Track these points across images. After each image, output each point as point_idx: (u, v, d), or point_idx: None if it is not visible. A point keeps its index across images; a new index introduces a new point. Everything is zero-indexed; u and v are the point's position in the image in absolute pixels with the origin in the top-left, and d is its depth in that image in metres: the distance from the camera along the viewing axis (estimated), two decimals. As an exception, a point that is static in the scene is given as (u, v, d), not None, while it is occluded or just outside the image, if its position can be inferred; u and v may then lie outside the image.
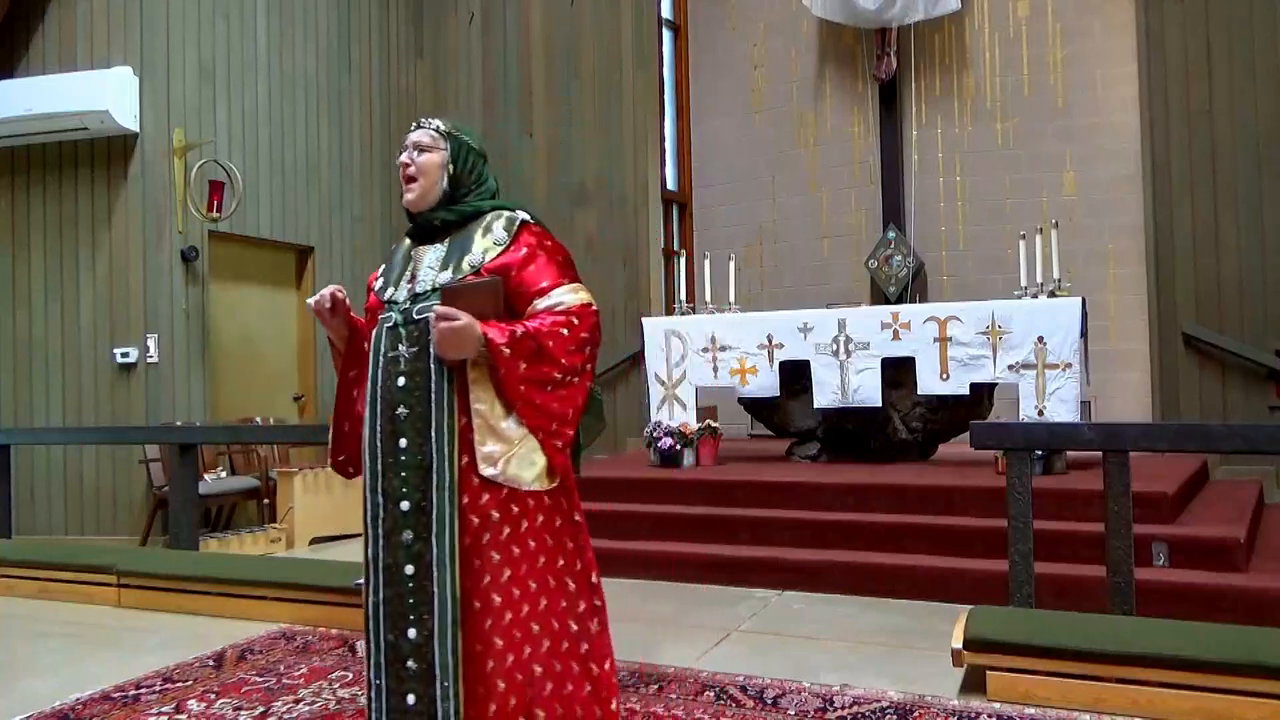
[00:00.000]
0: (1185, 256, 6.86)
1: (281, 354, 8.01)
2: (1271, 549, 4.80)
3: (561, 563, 2.24)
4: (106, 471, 6.85)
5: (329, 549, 6.44)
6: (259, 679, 3.60)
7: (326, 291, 2.40)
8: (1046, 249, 5.68)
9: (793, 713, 3.12)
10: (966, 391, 5.66)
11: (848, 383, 5.87)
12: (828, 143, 8.51)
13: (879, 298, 7.87)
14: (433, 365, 2.18)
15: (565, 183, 8.75)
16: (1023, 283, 5.77)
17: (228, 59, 7.45)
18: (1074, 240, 7.29)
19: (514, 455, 2.19)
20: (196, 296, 7.09)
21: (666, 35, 9.21)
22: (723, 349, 6.22)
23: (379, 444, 2.22)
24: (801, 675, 3.47)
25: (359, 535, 2.95)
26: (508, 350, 2.14)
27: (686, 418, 6.27)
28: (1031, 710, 3.10)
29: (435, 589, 2.13)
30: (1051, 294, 5.56)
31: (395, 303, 2.29)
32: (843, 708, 3.15)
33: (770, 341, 6.08)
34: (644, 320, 6.69)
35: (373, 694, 2.21)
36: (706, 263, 6.93)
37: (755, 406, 6.63)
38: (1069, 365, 5.34)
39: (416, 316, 2.22)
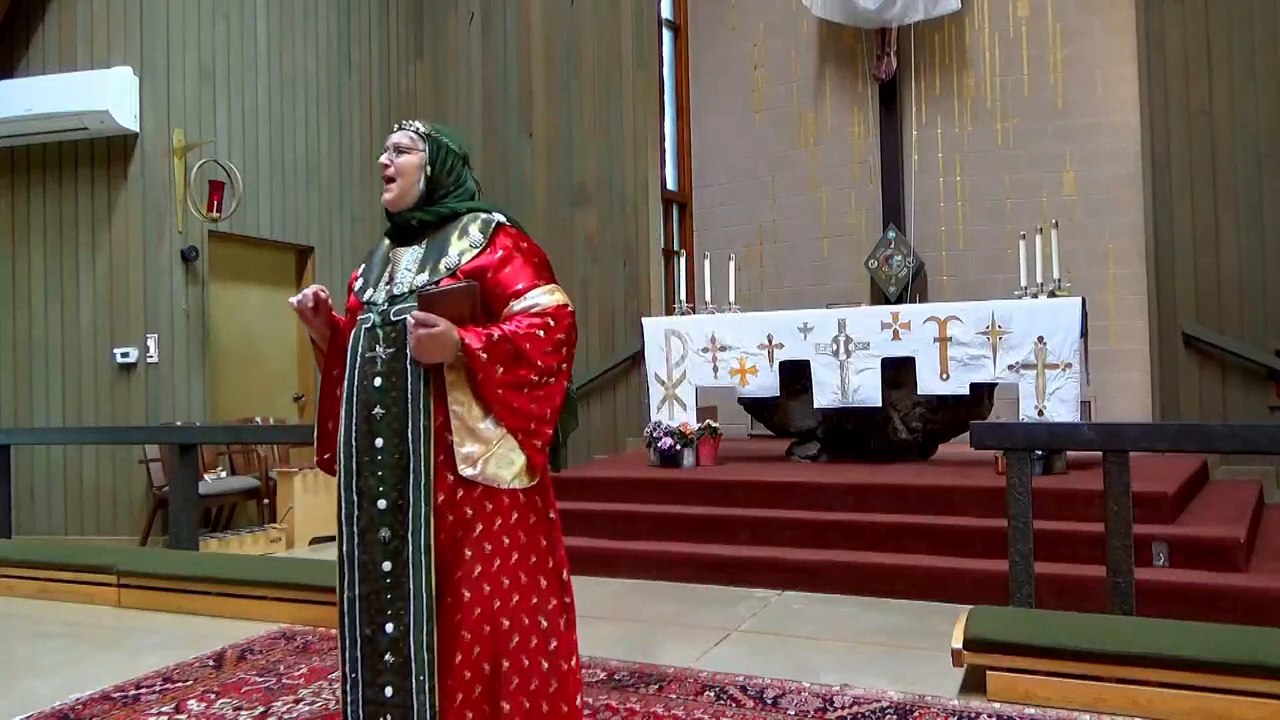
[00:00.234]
0: (1185, 256, 6.86)
1: (281, 354, 8.01)
2: (1271, 549, 4.80)
3: (533, 560, 2.27)
4: (106, 471, 6.85)
5: (329, 549, 6.39)
6: (259, 679, 3.60)
7: (309, 291, 2.43)
8: (1046, 249, 5.68)
9: (793, 713, 3.12)
10: (966, 391, 5.66)
11: (848, 383, 5.87)
12: (828, 143, 8.51)
13: (879, 298, 7.87)
14: (409, 366, 2.21)
15: (565, 183, 8.75)
16: (1023, 283, 5.77)
17: (228, 59, 7.45)
18: (1074, 240, 7.29)
19: (492, 455, 2.22)
20: (196, 296, 7.09)
21: (666, 35, 9.21)
22: (723, 349, 6.22)
23: (355, 443, 2.25)
24: (801, 675, 3.48)
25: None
26: (484, 355, 2.17)
27: (686, 418, 6.27)
28: (1031, 710, 3.10)
29: (411, 585, 2.17)
30: (1051, 294, 5.56)
31: (373, 304, 2.32)
32: (843, 708, 3.15)
33: (770, 341, 6.08)
34: (644, 320, 6.69)
35: (348, 687, 2.24)
36: (706, 263, 6.93)
37: (755, 406, 6.63)
38: (1069, 365, 5.34)
39: (394, 318, 2.25)
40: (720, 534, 5.32)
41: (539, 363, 2.23)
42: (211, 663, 3.83)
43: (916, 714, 3.07)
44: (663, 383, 6.40)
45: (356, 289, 2.41)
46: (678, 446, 6.14)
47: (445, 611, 2.18)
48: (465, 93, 9.22)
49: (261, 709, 3.27)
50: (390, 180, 2.36)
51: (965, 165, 8.03)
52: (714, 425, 6.32)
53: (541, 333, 2.23)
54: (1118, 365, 7.34)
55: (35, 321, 6.97)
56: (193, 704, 3.35)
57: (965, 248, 8.03)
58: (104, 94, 6.52)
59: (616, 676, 3.51)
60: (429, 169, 2.35)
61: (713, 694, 3.30)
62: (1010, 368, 5.49)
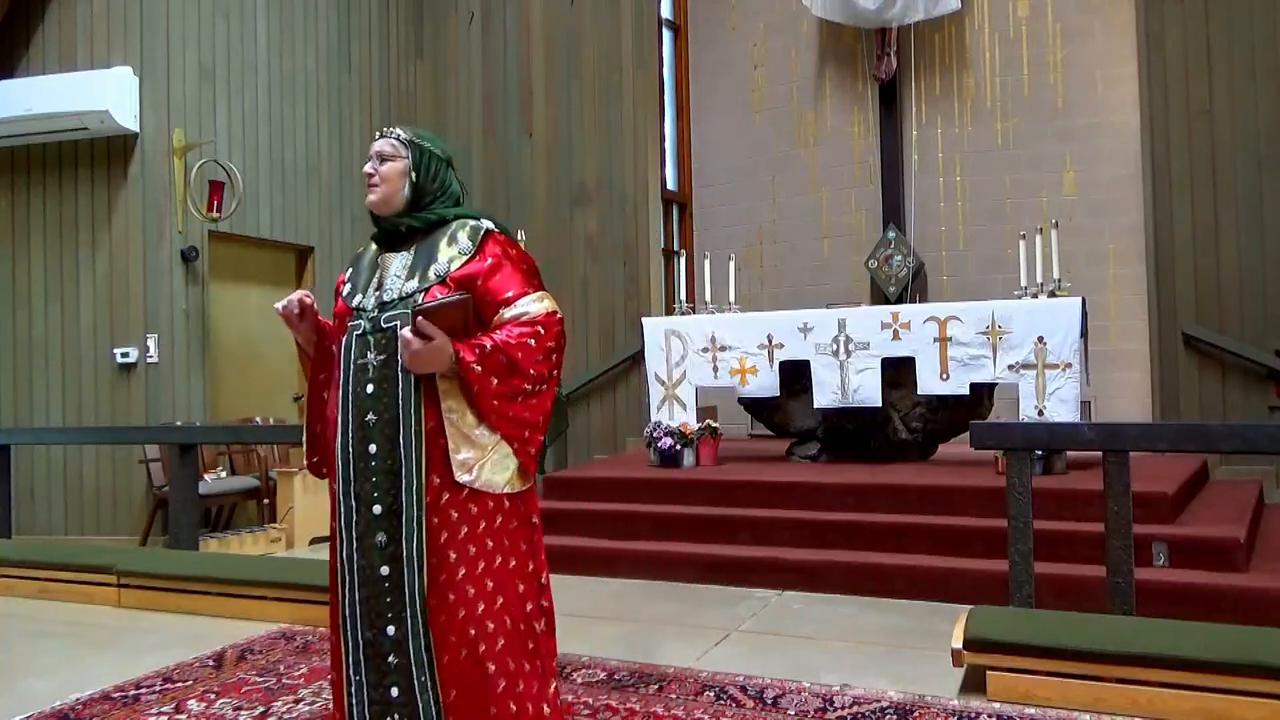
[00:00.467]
0: (1185, 256, 6.86)
1: (281, 354, 8.00)
2: (1271, 549, 4.80)
3: (514, 563, 2.30)
4: (106, 471, 6.85)
5: (328, 549, 6.43)
6: (259, 679, 3.60)
7: (294, 297, 2.47)
8: (1046, 249, 5.68)
9: (793, 713, 3.12)
10: (966, 391, 5.66)
11: (848, 383, 5.87)
12: (828, 143, 8.51)
13: (879, 298, 7.87)
14: (400, 373, 2.24)
15: (565, 183, 8.75)
16: (1023, 283, 5.77)
17: (228, 59, 7.45)
18: (1074, 240, 7.29)
19: (487, 461, 2.26)
20: (196, 296, 7.09)
21: (666, 35, 9.21)
22: (723, 349, 6.22)
23: (350, 449, 2.28)
24: (801, 675, 3.48)
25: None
26: (479, 368, 2.21)
27: (686, 418, 6.27)
28: (1031, 710, 3.10)
29: (406, 588, 2.21)
30: (1051, 294, 5.56)
31: (363, 310, 2.34)
32: (843, 708, 3.15)
33: (770, 341, 6.08)
34: (644, 320, 6.69)
35: (353, 689, 2.27)
36: (706, 263, 6.93)
37: (755, 406, 6.63)
38: (1069, 365, 5.34)
39: (384, 325, 2.28)
40: (720, 534, 5.32)
41: (531, 371, 2.27)
42: (211, 663, 3.83)
43: (916, 714, 3.08)
44: (663, 383, 6.40)
45: (345, 294, 2.44)
46: (678, 446, 6.14)
47: (431, 613, 2.21)
48: (465, 93, 9.22)
49: (261, 709, 3.27)
50: (374, 188, 2.38)
51: (965, 165, 8.03)
52: (714, 425, 6.32)
53: (532, 341, 2.27)
54: (1118, 365, 7.34)
55: (35, 321, 6.97)
56: (193, 704, 3.35)
57: (965, 248, 8.03)
58: (104, 94, 6.52)
59: (616, 676, 3.51)
60: (413, 175, 2.38)
61: (713, 694, 3.30)
62: (1010, 368, 5.49)
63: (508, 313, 2.30)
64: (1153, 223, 7.00)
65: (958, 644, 3.30)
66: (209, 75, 7.29)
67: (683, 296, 6.80)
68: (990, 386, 5.87)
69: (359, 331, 2.32)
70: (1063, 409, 5.32)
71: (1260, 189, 6.66)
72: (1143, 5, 7.09)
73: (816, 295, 8.12)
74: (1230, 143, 6.75)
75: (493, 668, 2.22)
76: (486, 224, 2.39)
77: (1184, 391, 6.83)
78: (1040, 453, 5.06)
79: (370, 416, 2.25)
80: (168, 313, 6.88)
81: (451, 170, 2.47)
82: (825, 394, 5.93)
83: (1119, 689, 3.06)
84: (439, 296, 2.25)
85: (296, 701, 3.33)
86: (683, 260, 7.10)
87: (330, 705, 3.25)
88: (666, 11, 9.19)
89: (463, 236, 2.35)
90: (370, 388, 2.27)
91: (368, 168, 2.40)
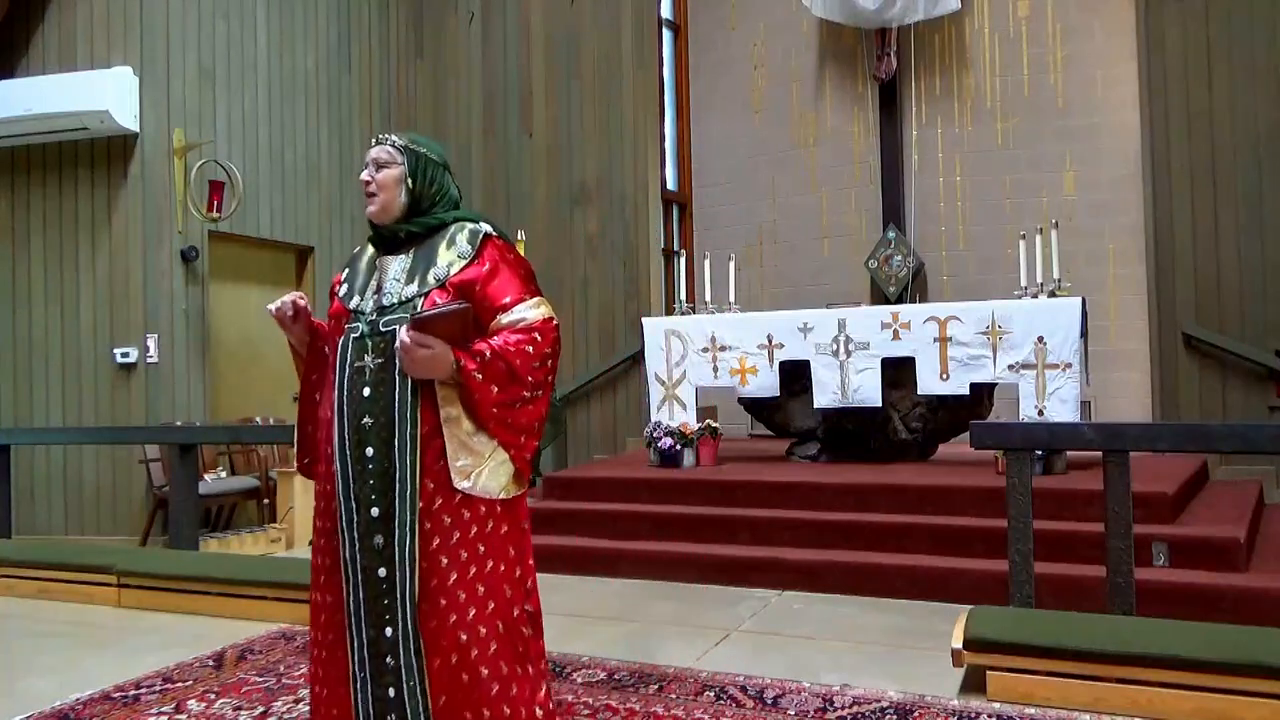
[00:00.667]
0: (1185, 256, 6.86)
1: (281, 354, 7.91)
2: (1271, 549, 4.80)
3: (503, 568, 2.31)
4: (106, 471, 6.85)
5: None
6: (259, 679, 3.60)
7: (287, 299, 2.47)
8: (1046, 249, 5.68)
9: (793, 713, 3.12)
10: (966, 391, 5.66)
11: (848, 383, 5.87)
12: (828, 143, 8.51)
13: (879, 298, 7.87)
14: (397, 377, 2.25)
15: (565, 183, 8.74)
16: (1023, 283, 5.77)
17: (228, 59, 7.45)
18: (1074, 240, 7.29)
19: (485, 468, 2.27)
20: (196, 296, 7.09)
21: (666, 35, 9.21)
22: (723, 349, 6.22)
23: (348, 452, 2.29)
24: (801, 675, 3.48)
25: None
26: (480, 376, 2.22)
27: (686, 418, 6.27)
28: (1031, 710, 3.10)
29: (398, 590, 2.23)
30: (1051, 294, 5.56)
31: (361, 313, 2.34)
32: (843, 708, 3.15)
33: (770, 341, 6.08)
34: (644, 320, 6.69)
35: (357, 686, 2.28)
36: (706, 263, 6.93)
37: (755, 406, 6.63)
38: (1069, 365, 5.34)
39: (383, 328, 2.28)
40: (720, 534, 5.32)
41: (529, 378, 2.28)
42: (211, 663, 3.83)
43: (916, 714, 3.08)
44: (663, 383, 6.40)
45: (341, 295, 2.43)
46: (678, 446, 6.14)
47: (422, 618, 2.22)
48: (465, 93, 9.21)
49: (261, 709, 3.27)
50: (372, 195, 2.38)
51: (965, 165, 8.03)
52: (714, 425, 6.32)
53: (530, 348, 2.28)
54: (1118, 365, 7.34)
55: (35, 321, 6.97)
56: (193, 704, 3.35)
57: (965, 248, 8.02)
58: (104, 94, 6.52)
59: (616, 676, 3.51)
60: (410, 181, 2.38)
61: (713, 694, 3.30)
62: (1010, 368, 5.49)
63: (505, 318, 2.30)
64: (1153, 223, 7.00)
65: (958, 644, 3.30)
66: (209, 75, 7.29)
67: (683, 296, 6.80)
68: (990, 386, 5.87)
69: (356, 334, 2.31)
70: (1063, 409, 5.32)
71: (1260, 189, 6.65)
72: (1143, 5, 7.09)
73: (816, 295, 8.11)
74: (1230, 143, 6.75)
75: (485, 672, 2.23)
76: (485, 228, 2.39)
77: (1184, 392, 6.83)
78: (1040, 453, 5.06)
79: (366, 420, 2.26)
80: (168, 313, 6.88)
81: (448, 174, 2.47)
82: (825, 394, 5.93)
83: (1119, 689, 3.06)
84: (439, 303, 2.25)
85: (296, 701, 3.33)
86: (683, 260, 7.10)
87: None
88: (666, 11, 9.18)
89: (461, 240, 2.35)
90: (367, 390, 2.27)
91: (364, 175, 2.40)
